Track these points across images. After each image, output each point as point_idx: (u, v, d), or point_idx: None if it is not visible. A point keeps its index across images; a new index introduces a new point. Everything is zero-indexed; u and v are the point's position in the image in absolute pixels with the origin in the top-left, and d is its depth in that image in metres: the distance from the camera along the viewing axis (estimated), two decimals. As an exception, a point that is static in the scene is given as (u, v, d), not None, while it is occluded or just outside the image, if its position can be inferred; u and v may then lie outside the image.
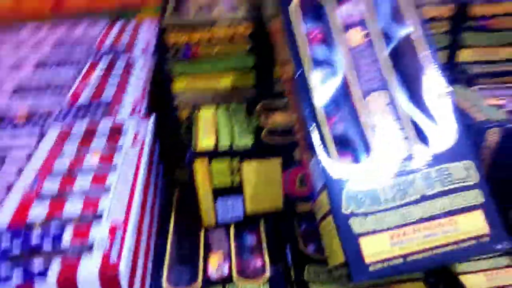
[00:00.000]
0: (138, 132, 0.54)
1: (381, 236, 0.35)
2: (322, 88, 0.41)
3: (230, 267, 0.46)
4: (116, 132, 0.54)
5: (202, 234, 0.50)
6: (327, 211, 0.36)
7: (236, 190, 0.48)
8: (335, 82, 0.41)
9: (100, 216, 0.40)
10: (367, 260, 0.34)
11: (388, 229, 0.35)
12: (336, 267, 0.36)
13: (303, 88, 0.40)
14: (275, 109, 0.56)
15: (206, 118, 0.55)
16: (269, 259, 0.46)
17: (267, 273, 0.44)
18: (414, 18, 0.41)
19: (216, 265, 0.46)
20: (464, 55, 0.64)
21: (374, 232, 0.35)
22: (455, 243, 0.35)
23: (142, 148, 0.51)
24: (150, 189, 0.51)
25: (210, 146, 0.48)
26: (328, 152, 0.38)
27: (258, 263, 0.46)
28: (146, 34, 0.88)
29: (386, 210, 0.35)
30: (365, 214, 0.35)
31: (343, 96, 0.40)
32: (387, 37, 0.41)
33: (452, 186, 0.37)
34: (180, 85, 0.61)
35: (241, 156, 0.47)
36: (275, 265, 0.45)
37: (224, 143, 0.49)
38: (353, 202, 0.35)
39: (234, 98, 0.60)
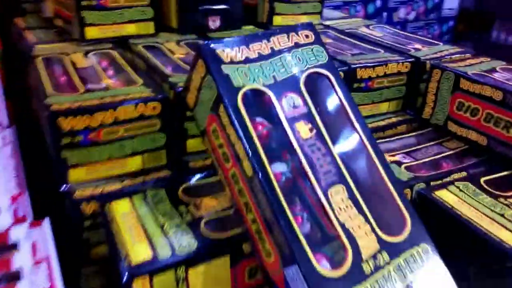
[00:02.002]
0: (35, 245, 0.43)
1: None
2: (283, 184, 0.38)
3: None
4: (7, 249, 0.43)
5: None
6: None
7: (184, 301, 0.42)
8: (294, 178, 0.39)
9: None
10: None
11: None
12: None
13: (267, 187, 0.37)
14: (201, 191, 0.51)
15: (124, 215, 0.47)
16: None
17: None
18: (361, 124, 0.43)
19: None
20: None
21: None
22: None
23: (48, 265, 0.40)
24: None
25: (148, 257, 0.41)
26: (304, 255, 0.36)
27: None
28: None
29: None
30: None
31: (305, 193, 0.39)
32: (333, 130, 0.42)
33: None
34: (78, 176, 0.51)
35: (187, 264, 0.42)
36: None
37: (163, 250, 0.42)
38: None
39: (147, 183, 0.53)
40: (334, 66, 0.44)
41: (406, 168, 0.59)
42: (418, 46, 0.79)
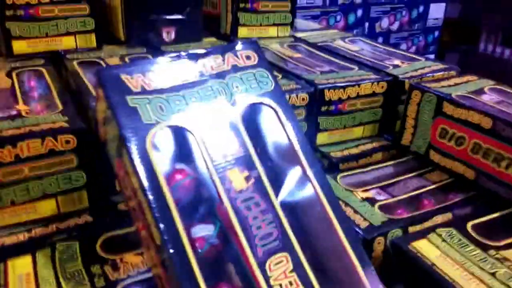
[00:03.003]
0: None
1: None
2: (206, 254, 0.29)
3: None
4: None
5: None
6: None
7: None
8: (222, 245, 0.30)
9: None
10: None
11: None
12: None
13: (179, 262, 0.28)
14: (125, 243, 0.42)
15: (21, 278, 0.37)
16: None
17: None
18: (314, 170, 0.33)
19: None
20: (322, 139, 0.61)
21: None
22: None
23: None
24: None
25: None
26: None
27: None
28: None
29: None
30: None
31: (235, 263, 0.30)
32: (277, 179, 0.32)
33: None
34: (-29, 225, 0.41)
35: None
36: None
37: (57, 333, 0.32)
38: None
39: (60, 232, 0.43)
40: (282, 95, 0.35)
41: (380, 208, 0.50)
42: (397, 62, 0.71)
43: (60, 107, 0.47)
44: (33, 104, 0.50)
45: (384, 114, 0.64)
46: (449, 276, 0.40)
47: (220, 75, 0.34)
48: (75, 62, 0.60)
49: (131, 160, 0.29)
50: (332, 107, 0.59)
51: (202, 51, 0.34)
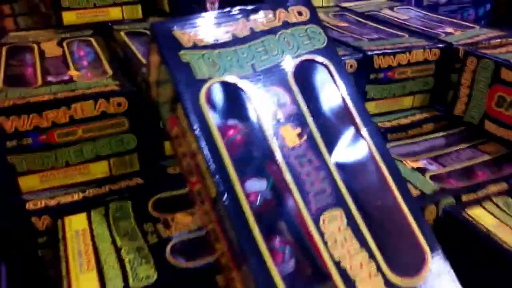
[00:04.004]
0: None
1: None
2: (259, 208, 0.29)
3: None
4: None
5: None
6: None
7: None
8: (275, 199, 0.30)
9: None
10: None
11: None
12: None
13: (234, 213, 0.28)
14: (176, 204, 0.42)
15: (77, 234, 0.39)
16: None
17: None
18: (368, 128, 0.32)
19: None
20: (369, 108, 0.59)
21: None
22: None
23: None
24: None
25: (93, 294, 0.33)
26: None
27: None
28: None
29: None
30: None
31: (288, 219, 0.29)
32: (330, 136, 0.32)
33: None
34: (30, 184, 0.43)
35: (142, 302, 0.33)
36: None
37: (114, 283, 0.33)
38: None
39: (113, 193, 0.45)
40: (335, 52, 0.34)
41: (431, 177, 0.48)
42: (450, 29, 0.68)
43: (110, 72, 0.48)
44: (83, 70, 0.51)
45: (436, 83, 0.61)
46: (508, 244, 0.38)
47: (271, 31, 0.33)
48: (122, 33, 0.61)
49: (187, 114, 0.29)
50: (381, 75, 0.57)
51: (253, 6, 0.34)
